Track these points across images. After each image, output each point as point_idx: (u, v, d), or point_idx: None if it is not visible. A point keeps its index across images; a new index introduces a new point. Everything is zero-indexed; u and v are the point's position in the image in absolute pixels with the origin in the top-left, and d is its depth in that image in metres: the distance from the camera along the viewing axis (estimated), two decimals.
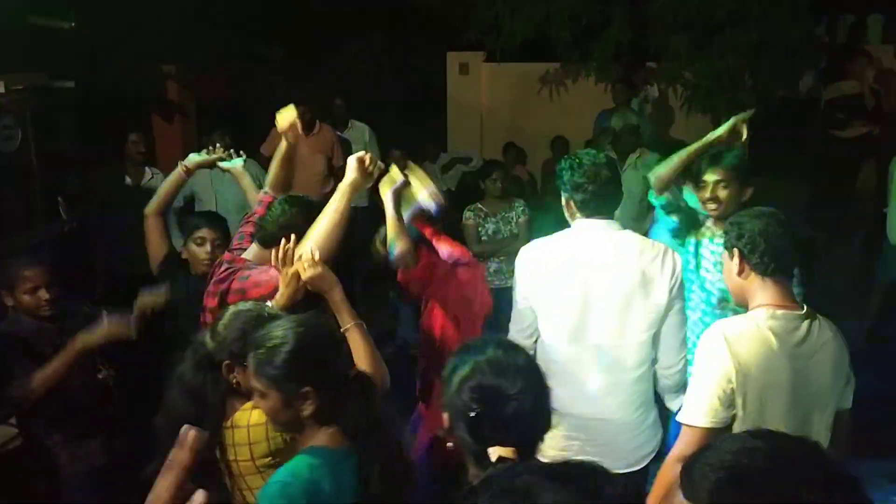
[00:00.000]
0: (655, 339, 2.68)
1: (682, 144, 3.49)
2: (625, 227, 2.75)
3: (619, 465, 2.60)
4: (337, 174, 6.48)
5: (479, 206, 5.10)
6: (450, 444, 1.64)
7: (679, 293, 2.67)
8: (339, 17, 8.39)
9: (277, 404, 1.83)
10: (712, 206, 3.12)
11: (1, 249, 3.61)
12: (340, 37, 8.64)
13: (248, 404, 2.08)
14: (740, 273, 2.24)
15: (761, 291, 2.23)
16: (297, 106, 6.15)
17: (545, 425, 1.60)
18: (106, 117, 5.57)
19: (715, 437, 2.10)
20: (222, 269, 2.67)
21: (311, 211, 2.68)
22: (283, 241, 2.44)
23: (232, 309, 2.22)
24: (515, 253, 4.95)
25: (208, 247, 3.30)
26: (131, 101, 6.58)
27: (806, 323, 2.20)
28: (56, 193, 4.17)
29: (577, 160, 2.69)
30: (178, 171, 3.39)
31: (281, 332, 1.87)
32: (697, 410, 2.16)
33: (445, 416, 1.62)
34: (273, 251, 2.45)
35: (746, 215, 2.28)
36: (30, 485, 3.21)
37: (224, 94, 8.25)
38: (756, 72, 6.72)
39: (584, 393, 2.66)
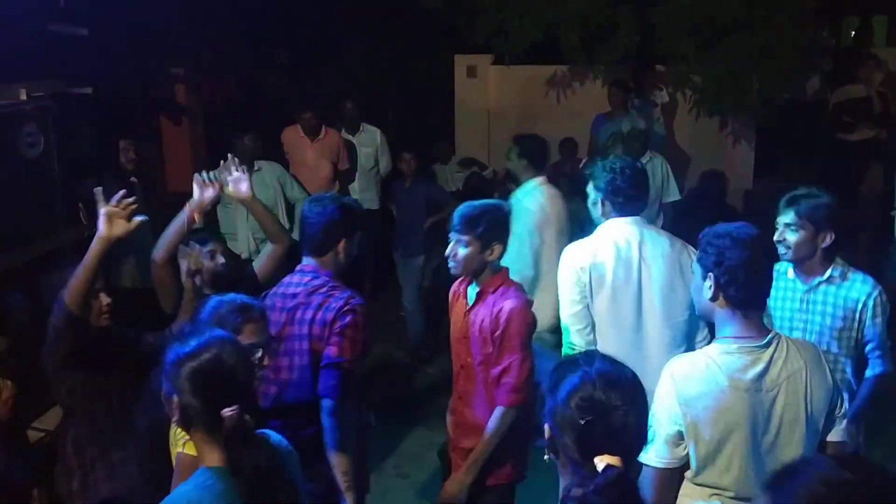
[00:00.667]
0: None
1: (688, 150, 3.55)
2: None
3: None
4: (342, 178, 6.55)
5: None
6: (547, 457, 1.68)
7: None
8: (346, 19, 8.42)
9: (164, 395, 1.90)
10: (781, 250, 2.95)
11: (24, 256, 3.66)
12: (347, 40, 8.66)
13: None
14: (713, 299, 2.14)
15: (728, 323, 2.13)
16: (305, 111, 6.20)
17: (646, 436, 1.67)
18: (122, 122, 5.60)
19: (671, 476, 2.14)
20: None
21: (342, 205, 2.84)
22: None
23: (214, 300, 2.31)
24: None
25: (220, 258, 3.22)
26: (143, 106, 6.63)
27: (766, 354, 2.09)
28: (76, 199, 4.20)
29: (618, 166, 3.04)
30: (186, 214, 3.04)
31: (198, 345, 1.87)
32: (649, 450, 2.14)
33: (547, 427, 1.66)
34: None
35: (730, 238, 2.11)
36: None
37: (232, 96, 8.29)
38: (762, 75, 6.75)
39: (647, 370, 2.87)
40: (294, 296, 2.78)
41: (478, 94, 8.43)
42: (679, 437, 2.10)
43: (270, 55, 8.46)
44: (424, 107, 8.70)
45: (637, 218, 3.07)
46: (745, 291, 2.08)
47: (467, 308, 2.93)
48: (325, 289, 2.76)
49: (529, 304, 2.86)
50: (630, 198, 3.04)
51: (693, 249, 2.94)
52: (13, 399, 2.97)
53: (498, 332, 2.79)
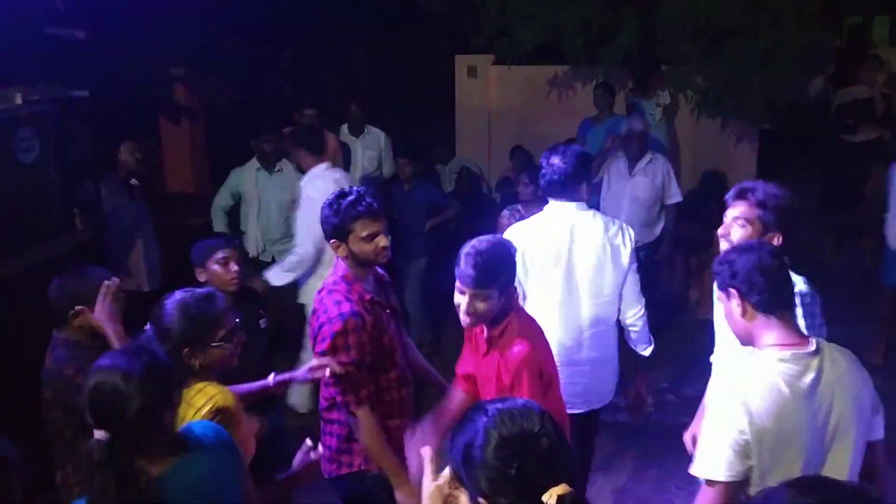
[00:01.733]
0: (621, 294, 3.34)
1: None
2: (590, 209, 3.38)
3: (604, 398, 3.43)
4: None
5: (518, 207, 5.16)
6: None
7: (635, 258, 3.34)
8: (347, 20, 8.39)
9: None
10: (724, 245, 2.67)
11: (22, 263, 3.63)
12: (348, 40, 8.63)
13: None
14: (744, 314, 2.10)
15: (768, 331, 2.09)
16: (305, 111, 6.16)
17: (572, 450, 1.52)
18: (120, 125, 5.58)
19: (735, 490, 2.02)
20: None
21: (329, 205, 2.76)
22: None
23: (169, 302, 2.30)
24: None
25: (234, 265, 3.29)
26: (141, 108, 6.60)
27: (816, 360, 2.06)
28: (73, 203, 4.18)
29: (553, 152, 3.28)
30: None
31: (100, 365, 1.85)
32: (714, 464, 2.03)
33: (483, 501, 1.47)
34: None
35: (734, 251, 2.14)
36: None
37: (232, 97, 8.26)
38: (765, 77, 6.70)
39: (580, 342, 3.32)
40: (323, 287, 2.85)
41: (478, 94, 8.40)
42: (746, 449, 2.01)
43: (271, 56, 8.43)
44: (425, 107, 8.68)
45: (577, 203, 3.30)
46: (768, 292, 2.06)
47: (484, 353, 2.72)
48: (324, 292, 2.77)
49: (534, 348, 2.63)
50: (557, 182, 3.26)
51: (630, 231, 3.34)
52: None
53: (509, 381, 2.59)
